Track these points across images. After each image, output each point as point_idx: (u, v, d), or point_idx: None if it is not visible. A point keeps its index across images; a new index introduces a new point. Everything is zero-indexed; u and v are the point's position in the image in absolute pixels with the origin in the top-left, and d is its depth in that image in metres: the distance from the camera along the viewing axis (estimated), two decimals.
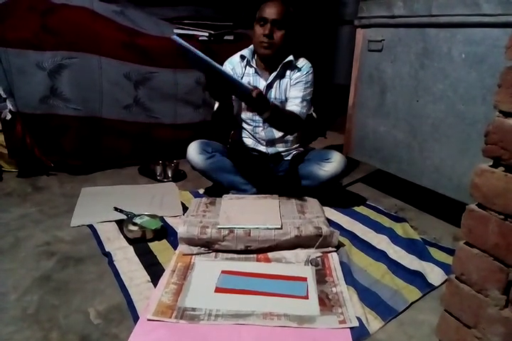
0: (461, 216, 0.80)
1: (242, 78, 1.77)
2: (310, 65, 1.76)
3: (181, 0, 2.80)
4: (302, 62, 1.76)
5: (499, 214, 0.72)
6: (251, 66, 1.76)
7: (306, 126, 1.84)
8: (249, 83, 1.76)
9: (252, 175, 1.80)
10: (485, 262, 0.75)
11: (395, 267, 1.33)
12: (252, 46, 1.78)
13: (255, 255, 1.37)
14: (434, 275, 1.28)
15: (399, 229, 1.58)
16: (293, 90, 1.73)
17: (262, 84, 1.76)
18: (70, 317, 1.07)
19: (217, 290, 1.17)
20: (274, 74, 1.74)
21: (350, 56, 1.92)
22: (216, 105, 1.72)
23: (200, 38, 2.29)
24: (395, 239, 1.50)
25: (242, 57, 1.77)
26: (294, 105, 1.68)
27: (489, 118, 0.73)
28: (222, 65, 1.79)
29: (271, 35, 1.61)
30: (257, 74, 1.76)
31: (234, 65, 1.78)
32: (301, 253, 1.37)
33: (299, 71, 1.75)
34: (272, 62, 1.72)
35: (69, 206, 1.74)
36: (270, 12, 1.61)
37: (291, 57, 1.72)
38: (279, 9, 1.61)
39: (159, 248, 1.42)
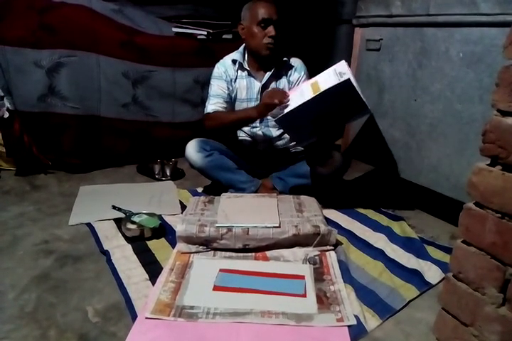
0: (459, 215, 0.80)
1: (235, 81, 1.76)
2: (303, 63, 1.77)
3: None
4: (296, 61, 1.77)
5: (496, 213, 0.72)
6: (244, 69, 1.75)
7: None
8: (247, 86, 1.76)
9: (251, 171, 1.81)
10: (482, 260, 0.76)
11: (393, 265, 1.33)
12: (241, 48, 1.77)
13: (253, 253, 1.37)
14: (432, 273, 1.29)
15: (396, 227, 1.58)
16: None
17: (256, 85, 1.76)
18: (68, 316, 1.07)
19: (216, 288, 1.17)
20: (268, 74, 1.74)
21: (349, 55, 1.92)
22: (213, 107, 1.71)
23: (198, 37, 2.29)
24: (393, 237, 1.51)
25: (234, 62, 1.76)
26: None
27: (486, 117, 0.74)
28: (214, 66, 1.80)
29: (277, 36, 1.61)
30: (251, 76, 1.76)
31: (226, 68, 1.76)
32: (299, 252, 1.37)
33: (295, 71, 1.75)
34: (267, 62, 1.72)
35: (67, 204, 1.73)
36: (271, 13, 1.60)
37: (285, 57, 1.72)
38: (275, 9, 1.61)
39: (157, 246, 1.42)
